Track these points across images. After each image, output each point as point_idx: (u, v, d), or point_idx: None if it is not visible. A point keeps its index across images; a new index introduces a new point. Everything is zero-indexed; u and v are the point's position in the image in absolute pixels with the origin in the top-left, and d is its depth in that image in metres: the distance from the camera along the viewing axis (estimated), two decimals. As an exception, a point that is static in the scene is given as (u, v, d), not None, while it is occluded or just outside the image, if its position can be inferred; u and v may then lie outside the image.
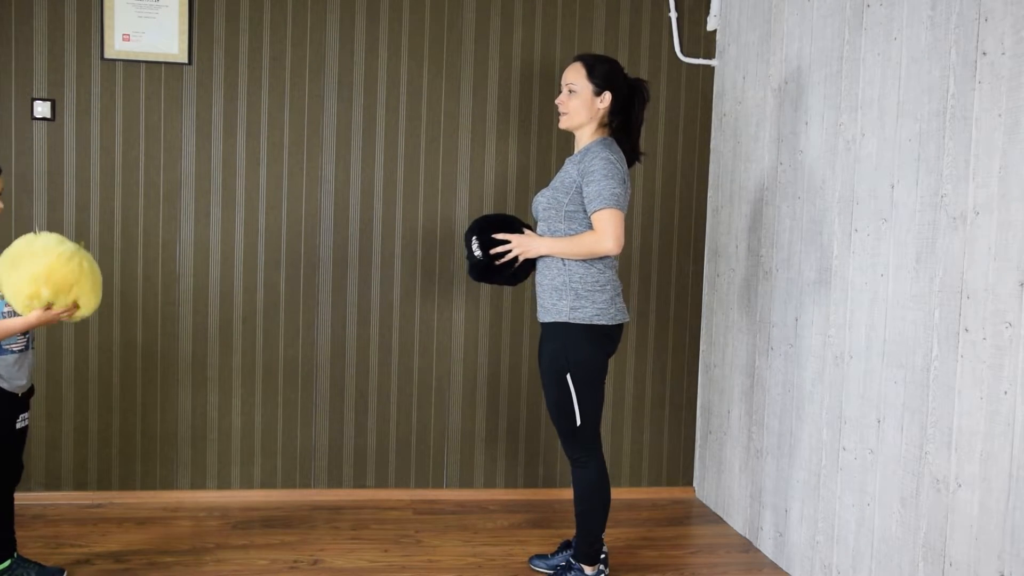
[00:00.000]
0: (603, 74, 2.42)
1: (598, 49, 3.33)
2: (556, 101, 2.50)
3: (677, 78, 3.40)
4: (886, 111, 2.26)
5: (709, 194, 3.44)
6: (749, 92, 3.09)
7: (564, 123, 2.48)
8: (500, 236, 2.47)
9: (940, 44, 2.05)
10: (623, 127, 2.48)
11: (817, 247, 2.59)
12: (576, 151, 2.47)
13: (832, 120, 2.52)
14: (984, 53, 1.91)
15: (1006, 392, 1.83)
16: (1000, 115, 1.86)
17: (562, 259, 2.39)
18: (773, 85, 2.90)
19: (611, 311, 2.38)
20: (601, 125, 2.46)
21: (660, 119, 3.40)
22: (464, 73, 3.28)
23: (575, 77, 2.43)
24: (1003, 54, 1.86)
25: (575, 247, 2.34)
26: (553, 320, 2.39)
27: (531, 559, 2.72)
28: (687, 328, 3.48)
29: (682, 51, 3.39)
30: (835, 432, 2.48)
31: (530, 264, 2.52)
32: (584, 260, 2.37)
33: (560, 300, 2.37)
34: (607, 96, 2.42)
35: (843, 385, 2.44)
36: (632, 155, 2.52)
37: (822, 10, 2.59)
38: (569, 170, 2.42)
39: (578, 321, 2.35)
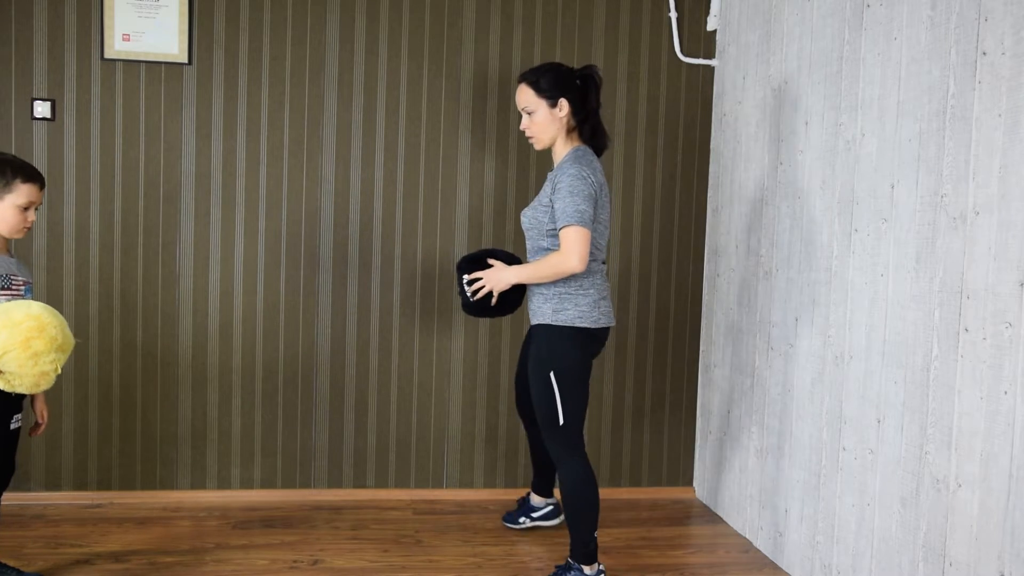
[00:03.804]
0: (550, 84, 2.41)
1: (598, 49, 3.33)
2: (521, 127, 2.50)
3: (677, 78, 3.40)
4: (886, 111, 2.26)
5: (709, 194, 3.44)
6: (749, 92, 3.09)
7: (537, 146, 2.50)
8: (472, 275, 2.51)
9: (940, 44, 2.05)
10: (587, 119, 2.45)
11: (817, 247, 2.59)
12: (555, 165, 2.49)
13: (832, 120, 2.52)
14: (984, 53, 1.91)
15: (1006, 392, 1.83)
16: (1000, 115, 1.86)
17: None
18: (773, 85, 2.90)
19: (594, 314, 2.41)
20: (570, 131, 2.46)
21: (660, 119, 3.40)
22: (464, 73, 3.28)
23: (526, 99, 2.44)
24: (1003, 54, 1.86)
25: (542, 271, 2.37)
26: (538, 322, 2.45)
27: (503, 517, 3.06)
28: (687, 328, 3.48)
29: (682, 51, 3.39)
30: (835, 432, 2.48)
31: (519, 293, 2.55)
32: None
33: (545, 304, 2.42)
34: (563, 103, 2.41)
35: (843, 385, 2.44)
36: (598, 142, 2.49)
37: (822, 10, 2.59)
38: (546, 187, 2.44)
39: (561, 323, 2.39)
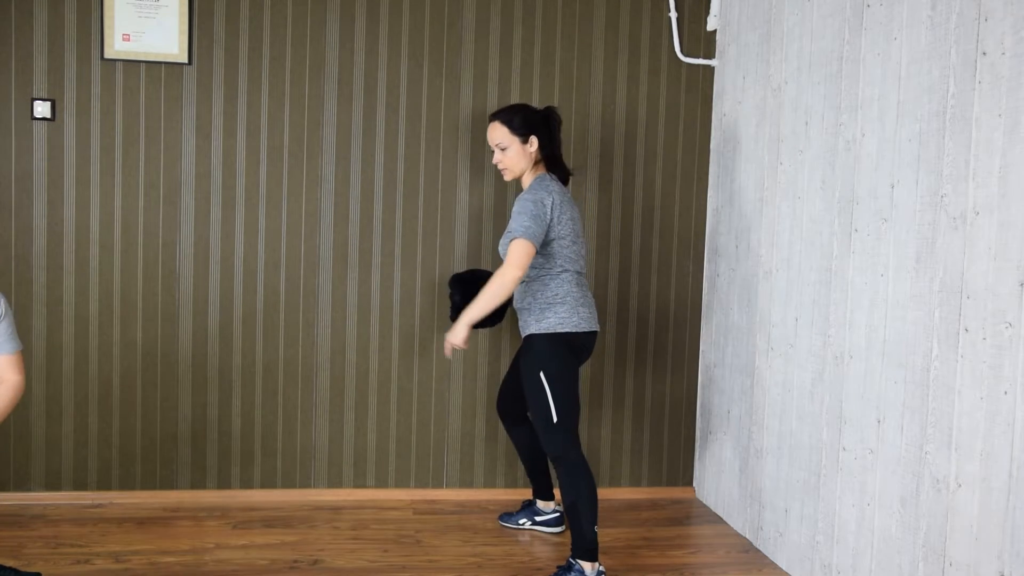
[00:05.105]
0: (522, 122, 2.65)
1: (598, 49, 3.33)
2: (493, 161, 2.73)
3: (677, 78, 3.40)
4: (886, 111, 2.26)
5: (709, 194, 3.44)
6: (749, 92, 3.09)
7: (508, 177, 2.72)
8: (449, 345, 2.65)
9: (940, 44, 2.05)
10: (552, 154, 2.71)
11: (817, 247, 2.59)
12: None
13: (832, 120, 2.52)
14: (984, 53, 1.91)
15: (1006, 392, 1.83)
16: (1000, 115, 1.86)
17: (525, 284, 2.65)
18: (773, 85, 2.90)
19: (573, 320, 2.58)
20: (536, 163, 2.71)
21: (660, 119, 3.40)
22: (464, 73, 3.28)
23: (501, 136, 2.67)
24: (1003, 54, 1.86)
25: (488, 297, 2.52)
26: (527, 333, 2.64)
27: (499, 517, 3.11)
28: (687, 328, 3.48)
29: (682, 51, 3.39)
30: (835, 432, 2.48)
31: (501, 307, 2.78)
32: (541, 280, 2.60)
33: (529, 316, 2.63)
34: (534, 140, 2.66)
35: (843, 385, 2.44)
36: (564, 173, 2.75)
37: (822, 10, 2.59)
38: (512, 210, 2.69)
39: (544, 331, 2.58)
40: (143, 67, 3.11)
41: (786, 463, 2.77)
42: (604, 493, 3.41)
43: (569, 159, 3.34)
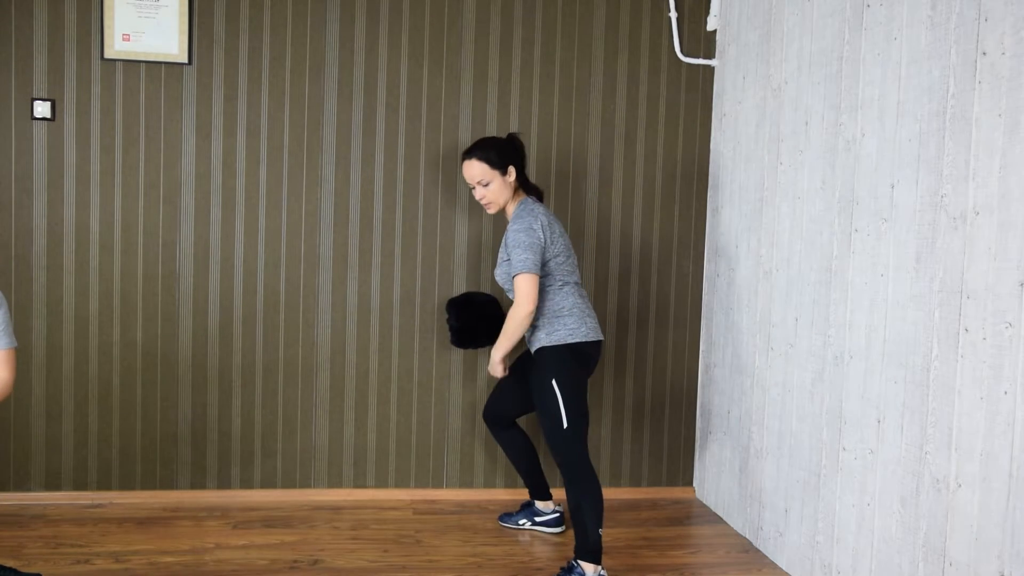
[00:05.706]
0: (497, 155, 2.68)
1: (598, 49, 3.33)
2: (477, 198, 2.73)
3: (677, 78, 3.40)
4: (886, 111, 2.26)
5: (709, 194, 3.44)
6: (749, 92, 3.09)
7: (492, 210, 2.74)
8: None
9: (940, 44, 2.05)
10: (524, 178, 2.76)
11: (817, 247, 2.59)
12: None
13: (832, 120, 2.52)
14: (984, 53, 1.91)
15: (1006, 392, 1.83)
16: (1000, 115, 1.86)
17: None
18: (773, 85, 2.90)
19: (582, 330, 2.62)
20: (515, 190, 2.75)
21: (660, 119, 3.40)
22: (464, 73, 3.28)
23: (481, 173, 2.68)
24: (1003, 54, 1.86)
25: (510, 332, 2.63)
26: (537, 347, 2.66)
27: (499, 517, 3.12)
28: (687, 328, 3.48)
29: (682, 51, 3.39)
30: (835, 432, 2.48)
31: (497, 328, 2.89)
32: (545, 295, 2.64)
33: (539, 331, 2.65)
34: (511, 170, 2.70)
35: (843, 385, 2.44)
36: (537, 193, 2.79)
37: (822, 10, 2.59)
38: (504, 245, 2.70)
39: (555, 343, 2.61)
40: (143, 67, 3.11)
41: (786, 463, 2.77)
42: (604, 493, 3.40)
43: (569, 160, 3.34)
